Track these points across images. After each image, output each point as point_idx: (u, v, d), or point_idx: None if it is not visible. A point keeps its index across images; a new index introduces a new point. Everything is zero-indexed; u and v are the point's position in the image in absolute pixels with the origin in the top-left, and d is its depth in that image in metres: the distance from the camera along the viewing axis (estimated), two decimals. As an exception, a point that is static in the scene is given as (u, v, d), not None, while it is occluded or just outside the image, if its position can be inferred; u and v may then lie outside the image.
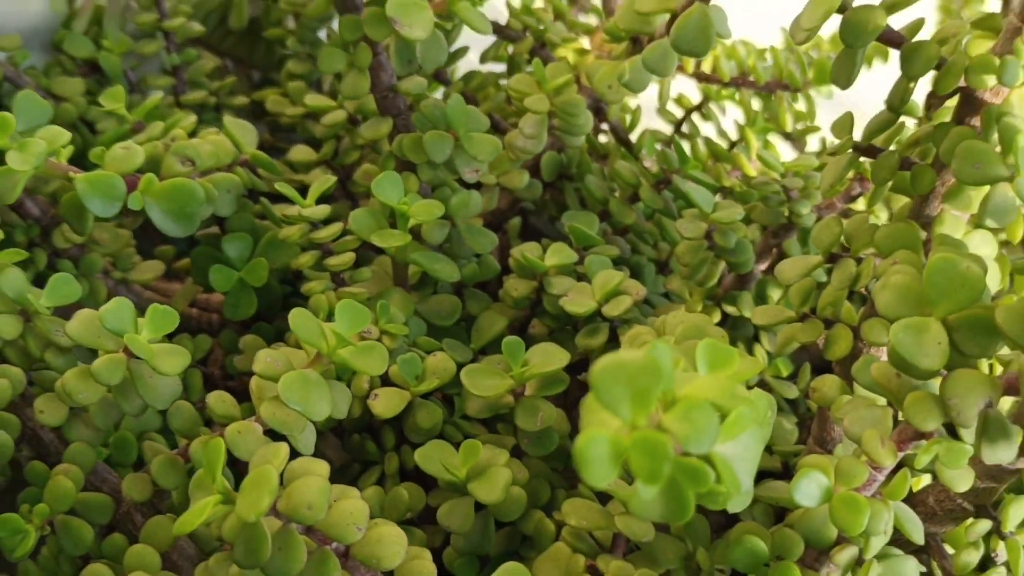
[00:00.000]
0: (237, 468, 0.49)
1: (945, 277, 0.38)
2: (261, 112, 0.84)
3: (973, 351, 0.38)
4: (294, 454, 0.45)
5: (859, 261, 0.50)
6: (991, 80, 0.44)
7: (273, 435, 0.47)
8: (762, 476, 0.61)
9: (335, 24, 0.67)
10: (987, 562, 0.47)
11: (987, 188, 0.44)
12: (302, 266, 0.60)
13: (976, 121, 0.46)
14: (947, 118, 0.47)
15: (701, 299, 0.64)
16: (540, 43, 0.75)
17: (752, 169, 0.73)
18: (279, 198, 0.63)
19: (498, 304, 0.64)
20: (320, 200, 0.61)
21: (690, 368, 0.35)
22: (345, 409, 0.49)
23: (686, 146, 0.83)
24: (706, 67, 0.81)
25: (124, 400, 0.47)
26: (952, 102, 0.48)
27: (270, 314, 0.66)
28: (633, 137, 0.80)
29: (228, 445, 0.45)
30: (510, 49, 0.78)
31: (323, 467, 0.42)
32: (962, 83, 0.45)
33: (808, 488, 0.41)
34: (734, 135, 0.84)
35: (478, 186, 0.67)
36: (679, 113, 0.87)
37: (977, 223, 0.46)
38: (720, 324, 0.65)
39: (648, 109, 0.86)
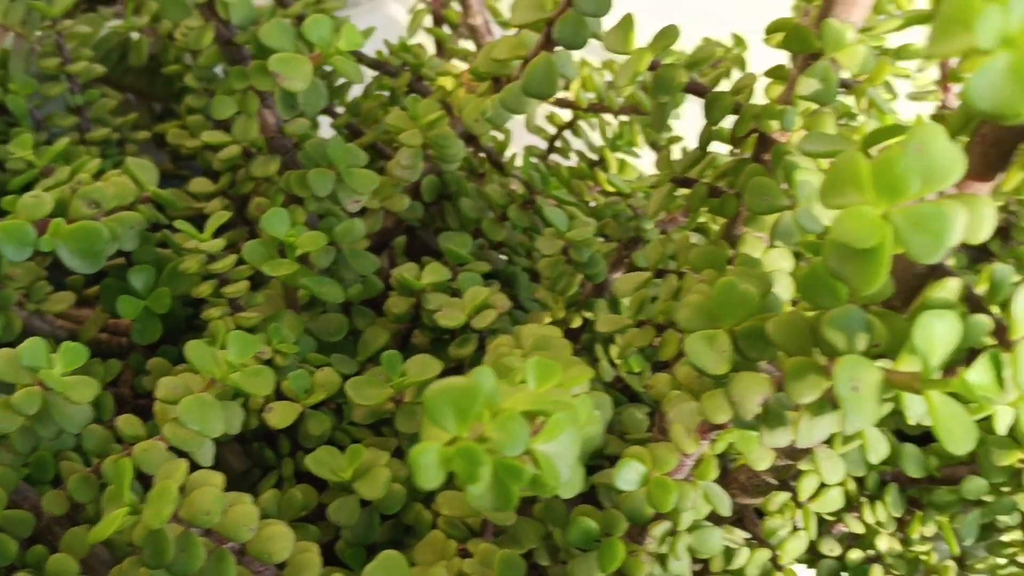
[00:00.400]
0: (146, 481, 0.55)
1: (728, 296, 0.46)
2: (164, 141, 0.90)
3: (753, 356, 0.46)
4: (196, 466, 0.52)
5: (681, 275, 0.58)
6: (776, 125, 0.52)
7: (176, 450, 0.54)
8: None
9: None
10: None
11: (776, 215, 0.52)
12: (201, 294, 0.67)
13: (769, 156, 0.54)
14: (750, 153, 0.56)
15: (564, 306, 0.72)
16: (417, 77, 0.83)
17: (610, 185, 0.81)
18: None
19: (382, 319, 0.71)
20: (221, 228, 0.68)
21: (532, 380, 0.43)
22: (238, 425, 0.56)
23: (569, 159, 0.92)
24: (575, 88, 0.89)
25: (41, 427, 0.54)
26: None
27: (175, 336, 0.73)
28: (520, 146, 0.88)
29: (136, 462, 0.52)
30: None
31: (218, 478, 0.49)
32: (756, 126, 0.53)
33: (628, 475, 0.49)
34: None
35: (364, 211, 0.74)
36: (553, 130, 0.95)
37: (771, 243, 0.54)
38: (581, 328, 0.73)
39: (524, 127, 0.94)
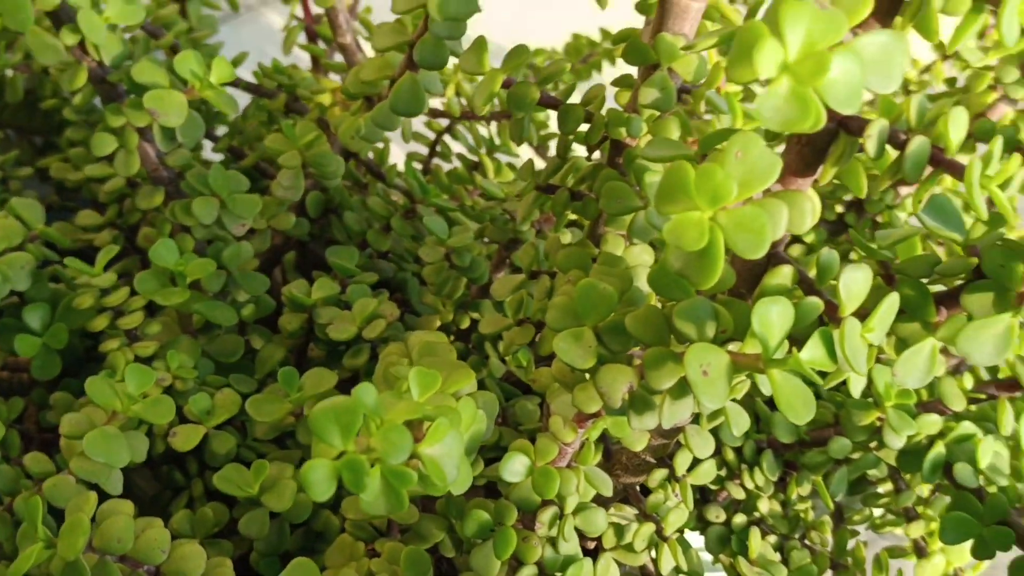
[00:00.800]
0: (59, 514, 0.58)
1: (589, 296, 0.50)
2: (48, 175, 0.91)
3: (616, 348, 0.50)
4: (105, 496, 0.54)
5: (553, 275, 0.62)
6: (624, 131, 0.56)
7: (85, 482, 0.56)
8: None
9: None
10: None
11: (631, 215, 0.57)
12: (97, 328, 0.69)
13: (622, 159, 0.58)
14: (604, 157, 0.60)
15: (452, 309, 0.76)
16: (294, 97, 0.85)
17: (486, 191, 0.84)
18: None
19: (277, 336, 0.74)
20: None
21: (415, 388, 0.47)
22: (144, 453, 0.58)
23: (451, 163, 0.95)
24: (449, 95, 0.93)
25: (-50, 472, 0.56)
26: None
27: (76, 368, 0.74)
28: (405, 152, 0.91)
29: (47, 497, 0.54)
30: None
31: (128, 506, 0.52)
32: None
33: (514, 467, 0.53)
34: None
35: (252, 231, 0.77)
36: (433, 135, 0.98)
37: (631, 241, 0.58)
38: (470, 328, 0.77)
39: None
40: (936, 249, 0.77)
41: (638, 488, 0.61)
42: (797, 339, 0.46)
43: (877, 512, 0.80)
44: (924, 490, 0.75)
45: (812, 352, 0.45)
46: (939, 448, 0.65)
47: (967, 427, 0.66)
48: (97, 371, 0.74)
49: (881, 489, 0.77)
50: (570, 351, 0.50)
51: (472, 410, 0.52)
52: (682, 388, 0.48)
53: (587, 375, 0.52)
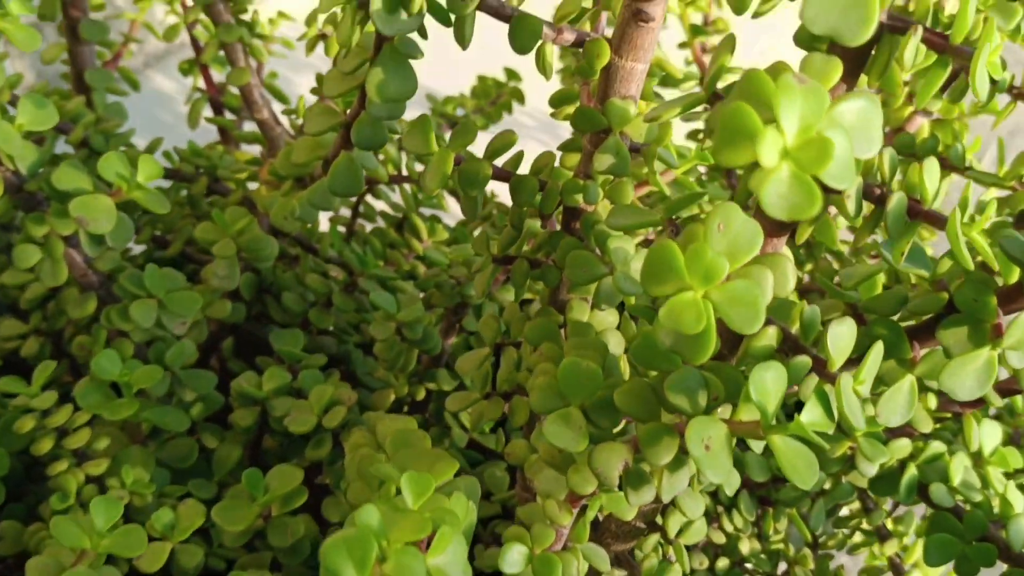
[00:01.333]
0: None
1: (573, 376, 0.49)
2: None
3: (607, 426, 0.49)
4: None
5: (518, 346, 0.61)
6: (580, 198, 0.55)
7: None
8: (490, 519, 0.72)
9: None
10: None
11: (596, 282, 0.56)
12: (42, 451, 0.65)
13: (579, 224, 0.57)
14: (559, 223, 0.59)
15: (406, 382, 0.74)
16: (214, 178, 0.82)
17: (421, 248, 0.83)
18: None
19: (231, 432, 0.71)
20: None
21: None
22: (118, 585, 0.55)
23: (375, 222, 0.93)
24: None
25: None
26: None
27: (19, 492, 0.71)
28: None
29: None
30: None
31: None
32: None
33: (513, 558, 0.51)
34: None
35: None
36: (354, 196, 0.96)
37: (593, 306, 0.57)
38: (426, 399, 0.75)
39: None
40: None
41: (628, 553, 0.60)
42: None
43: (847, 531, 0.80)
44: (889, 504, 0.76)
45: (812, 414, 0.44)
46: (912, 471, 0.66)
47: (937, 447, 0.66)
48: (42, 493, 0.70)
49: (848, 509, 0.78)
50: (561, 435, 0.48)
51: (465, 505, 0.50)
52: (679, 460, 0.47)
53: (577, 455, 0.51)
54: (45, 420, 0.65)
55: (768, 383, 0.44)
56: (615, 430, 0.49)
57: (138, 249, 0.87)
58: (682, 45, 0.92)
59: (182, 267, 0.84)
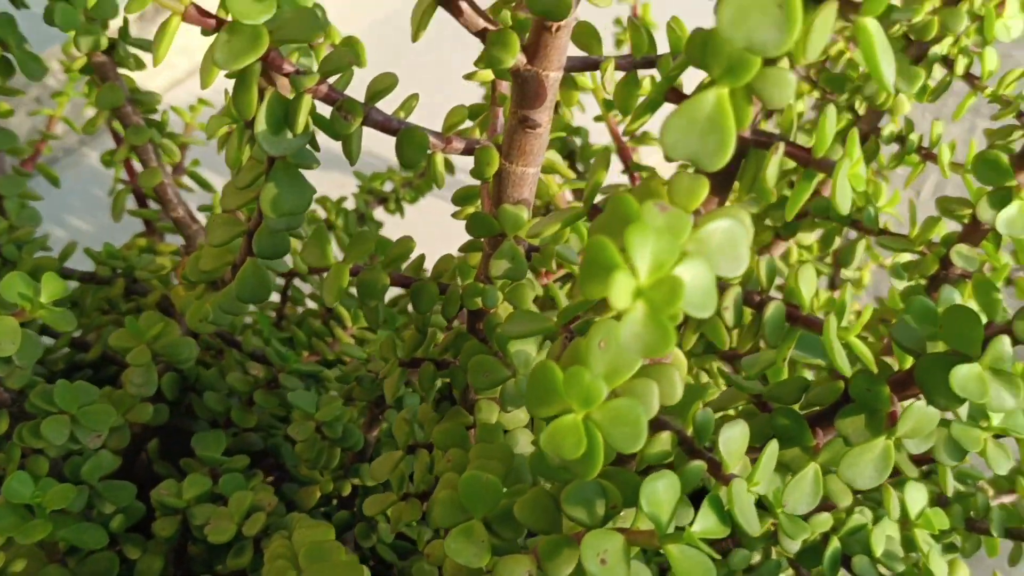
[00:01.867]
0: None
1: (474, 489, 0.49)
2: None
3: (510, 537, 0.49)
4: None
5: (431, 448, 0.60)
6: (480, 301, 0.55)
7: None
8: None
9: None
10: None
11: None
12: (-45, 577, 0.64)
13: (482, 325, 0.57)
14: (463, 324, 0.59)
15: (331, 478, 0.73)
16: (132, 279, 0.82)
17: (348, 337, 0.83)
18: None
19: (152, 542, 0.70)
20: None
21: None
22: None
23: (303, 306, 0.93)
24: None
25: None
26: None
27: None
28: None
29: None
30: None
31: None
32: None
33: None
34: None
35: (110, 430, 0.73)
36: (282, 280, 0.96)
37: (502, 409, 0.57)
38: (353, 494, 0.75)
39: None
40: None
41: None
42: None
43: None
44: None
45: (705, 522, 0.44)
46: (835, 543, 0.66)
47: (858, 519, 0.67)
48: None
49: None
50: (463, 551, 0.48)
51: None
52: (581, 571, 0.47)
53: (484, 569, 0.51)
54: (-44, 547, 0.64)
55: (660, 493, 0.44)
56: (520, 539, 0.49)
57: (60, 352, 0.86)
58: (597, 119, 0.93)
59: (105, 368, 0.83)
